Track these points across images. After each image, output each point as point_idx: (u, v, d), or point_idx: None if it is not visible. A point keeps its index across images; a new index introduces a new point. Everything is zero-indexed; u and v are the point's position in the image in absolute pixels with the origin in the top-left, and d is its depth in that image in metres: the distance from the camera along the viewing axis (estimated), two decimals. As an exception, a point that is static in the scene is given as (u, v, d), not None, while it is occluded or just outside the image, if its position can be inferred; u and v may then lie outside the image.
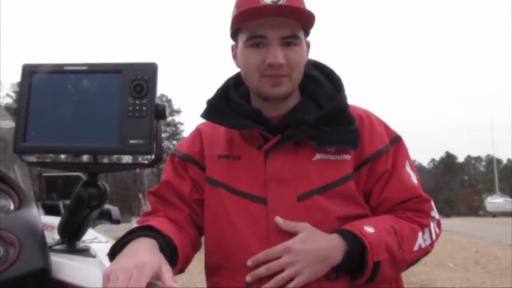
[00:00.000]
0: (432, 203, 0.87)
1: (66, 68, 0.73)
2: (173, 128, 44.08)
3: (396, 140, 0.88)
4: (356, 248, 0.76)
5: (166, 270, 0.63)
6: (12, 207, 0.81)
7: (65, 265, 0.71)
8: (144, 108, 0.71)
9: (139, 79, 0.71)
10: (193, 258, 0.87)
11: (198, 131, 0.95)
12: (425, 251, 0.84)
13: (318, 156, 0.82)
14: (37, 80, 0.73)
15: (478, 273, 5.39)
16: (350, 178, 0.82)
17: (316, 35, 0.87)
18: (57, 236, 0.83)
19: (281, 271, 0.75)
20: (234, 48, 0.88)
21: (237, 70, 0.90)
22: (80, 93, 0.72)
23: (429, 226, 0.84)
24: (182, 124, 44.23)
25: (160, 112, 0.72)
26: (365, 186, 0.84)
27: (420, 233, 0.83)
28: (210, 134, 0.92)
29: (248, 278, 0.77)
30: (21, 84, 0.73)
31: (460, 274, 5.31)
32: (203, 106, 0.90)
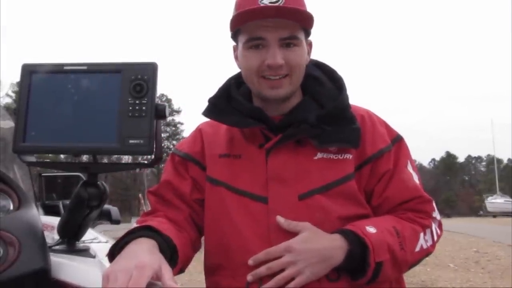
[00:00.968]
0: (434, 204, 0.86)
1: (65, 68, 0.73)
2: (173, 128, 44.07)
3: (397, 140, 0.88)
4: (358, 248, 0.75)
5: (166, 271, 0.63)
6: (11, 207, 0.81)
7: (64, 265, 0.71)
8: (144, 108, 0.70)
9: (139, 79, 0.71)
10: (192, 258, 0.86)
11: (199, 131, 0.94)
12: (426, 252, 0.83)
13: (319, 155, 0.82)
14: (36, 80, 0.73)
15: (478, 273, 5.38)
16: (351, 178, 0.82)
17: (316, 34, 0.87)
18: (56, 236, 0.83)
19: (282, 270, 0.74)
20: (235, 49, 0.88)
21: (238, 69, 0.90)
22: (80, 93, 0.72)
23: (430, 227, 0.84)
24: (182, 124, 44.23)
25: (160, 112, 0.72)
26: (366, 185, 0.84)
27: (421, 234, 0.82)
28: (211, 134, 0.92)
29: (249, 277, 0.76)
30: (20, 84, 0.73)
31: (460, 275, 5.31)
32: (203, 105, 0.90)
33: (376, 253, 0.75)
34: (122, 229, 1.02)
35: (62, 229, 0.81)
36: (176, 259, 0.74)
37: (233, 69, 0.94)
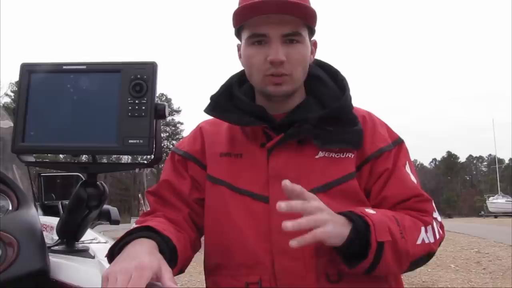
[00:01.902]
0: (433, 205, 0.84)
1: (65, 67, 0.73)
2: (173, 128, 44.09)
3: (398, 143, 0.87)
4: (361, 225, 0.70)
5: (166, 271, 0.62)
6: (10, 207, 0.80)
7: (64, 266, 0.71)
8: (143, 107, 0.70)
9: (138, 79, 0.71)
10: (192, 259, 0.86)
11: (199, 129, 0.94)
12: (429, 248, 0.78)
13: (321, 154, 0.82)
14: (36, 80, 0.73)
15: (479, 273, 5.38)
16: (353, 176, 0.81)
17: (317, 34, 0.87)
18: (56, 237, 0.83)
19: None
20: (239, 48, 0.88)
21: (239, 68, 0.90)
22: (79, 93, 0.72)
23: (431, 224, 0.81)
24: (181, 123, 44.25)
25: (159, 111, 0.71)
26: (366, 185, 0.83)
27: (423, 228, 0.79)
28: (212, 132, 0.91)
29: (293, 242, 0.64)
30: (19, 84, 0.73)
31: (461, 275, 5.30)
32: (203, 105, 0.90)
33: (377, 232, 0.71)
34: (121, 229, 1.02)
35: (61, 230, 0.81)
36: (175, 260, 0.74)
37: (233, 69, 0.94)
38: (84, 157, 0.81)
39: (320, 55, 0.92)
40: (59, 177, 1.73)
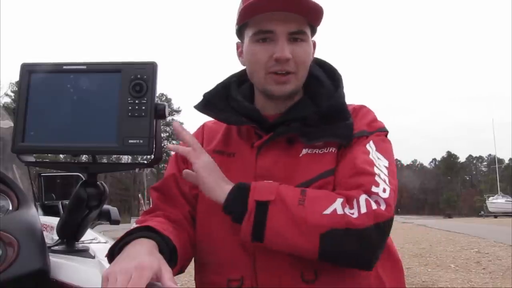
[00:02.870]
0: (378, 179, 0.74)
1: (65, 67, 0.73)
2: (173, 128, 44.05)
3: (372, 133, 0.82)
4: (245, 185, 0.73)
5: (166, 271, 0.62)
6: (10, 207, 0.80)
7: (64, 266, 0.71)
8: (143, 107, 0.70)
9: (138, 79, 0.71)
10: (192, 258, 0.86)
11: (202, 127, 0.95)
12: (345, 221, 0.69)
13: (304, 151, 0.81)
14: (36, 80, 0.73)
15: (479, 273, 5.37)
16: (333, 173, 0.79)
17: (318, 33, 0.87)
18: (56, 237, 0.83)
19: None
20: (239, 46, 0.87)
21: (238, 69, 0.90)
22: (79, 93, 0.72)
23: (357, 198, 0.71)
24: (182, 123, 44.04)
25: (159, 111, 0.71)
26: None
27: (339, 200, 0.71)
28: (212, 130, 0.92)
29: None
30: (19, 84, 0.73)
31: (461, 275, 5.30)
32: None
33: (257, 191, 0.71)
34: (121, 229, 1.02)
35: (61, 229, 0.81)
36: (175, 259, 0.74)
37: (233, 69, 0.94)
38: (84, 157, 0.81)
39: (323, 56, 0.92)
40: (59, 177, 1.73)
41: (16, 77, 0.74)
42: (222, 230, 0.80)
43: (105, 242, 1.01)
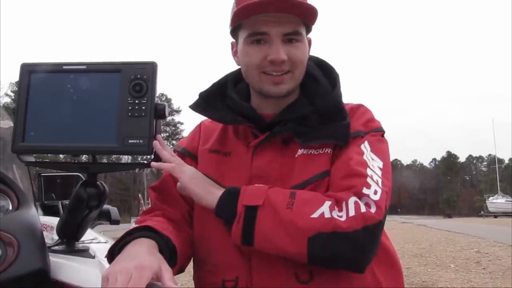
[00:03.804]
0: (369, 180, 0.73)
1: (65, 67, 0.73)
2: (173, 128, 44.10)
3: (372, 132, 0.82)
4: (234, 189, 0.74)
5: (166, 271, 0.62)
6: (10, 207, 0.80)
7: (64, 266, 0.71)
8: (143, 107, 0.70)
9: (138, 79, 0.71)
10: (192, 258, 0.86)
11: (199, 126, 0.95)
12: (333, 224, 0.68)
13: (300, 152, 0.81)
14: (36, 80, 0.73)
15: (479, 273, 5.37)
16: (329, 174, 0.79)
17: (316, 33, 0.87)
18: (56, 237, 0.83)
19: None
20: (234, 46, 0.87)
21: (236, 67, 0.90)
22: (79, 93, 0.72)
23: (346, 201, 0.71)
24: (181, 123, 44.25)
25: (159, 111, 0.71)
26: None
27: (327, 203, 0.71)
28: (209, 129, 0.92)
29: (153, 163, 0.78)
30: (19, 84, 0.73)
31: (461, 275, 5.30)
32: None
33: (246, 196, 0.72)
34: (121, 229, 1.02)
35: (61, 229, 0.81)
36: (175, 259, 0.74)
37: (233, 68, 0.93)
38: (84, 157, 0.81)
39: (320, 54, 0.91)
40: (59, 177, 1.73)
41: (16, 77, 0.74)
42: (217, 231, 0.80)
43: (105, 242, 1.01)
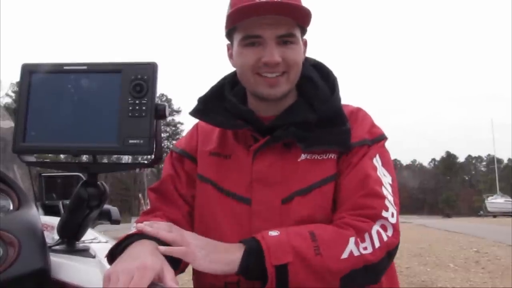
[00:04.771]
0: (387, 203, 0.76)
1: (65, 67, 0.73)
2: (173, 128, 44.12)
3: (376, 141, 0.84)
4: (254, 248, 0.69)
5: (168, 272, 0.62)
6: (11, 207, 0.81)
7: (64, 265, 0.71)
8: (144, 107, 0.70)
9: (139, 79, 0.71)
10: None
11: (196, 127, 0.95)
12: (363, 260, 0.71)
13: (303, 157, 0.81)
14: (36, 80, 0.73)
15: (478, 273, 5.38)
16: (334, 179, 0.80)
17: (313, 34, 0.87)
18: (56, 236, 0.83)
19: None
20: (229, 48, 0.87)
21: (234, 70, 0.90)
22: (80, 93, 0.72)
23: (369, 231, 0.73)
24: (182, 124, 44.28)
25: (160, 111, 0.72)
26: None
27: (352, 239, 0.71)
28: (207, 131, 0.92)
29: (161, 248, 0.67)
30: (20, 84, 0.73)
31: (460, 275, 5.31)
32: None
33: (273, 255, 0.68)
34: (122, 229, 1.02)
35: (62, 229, 0.81)
36: (176, 260, 0.74)
37: (232, 69, 0.93)
38: (84, 157, 0.81)
39: (318, 55, 0.92)
40: (60, 177, 1.73)
41: (16, 78, 0.74)
42: (219, 234, 0.80)
43: (105, 242, 1.01)
